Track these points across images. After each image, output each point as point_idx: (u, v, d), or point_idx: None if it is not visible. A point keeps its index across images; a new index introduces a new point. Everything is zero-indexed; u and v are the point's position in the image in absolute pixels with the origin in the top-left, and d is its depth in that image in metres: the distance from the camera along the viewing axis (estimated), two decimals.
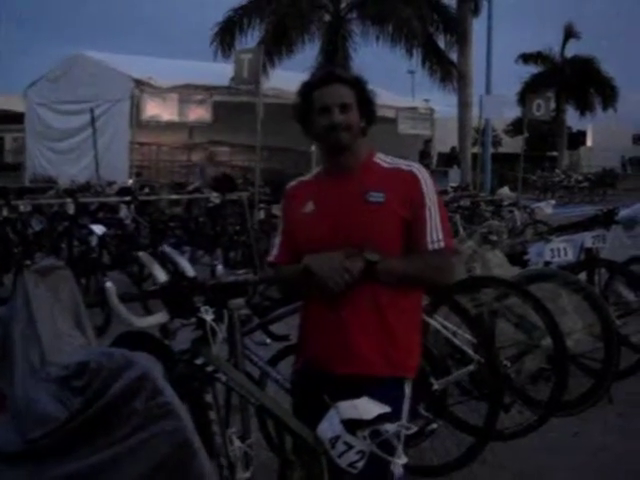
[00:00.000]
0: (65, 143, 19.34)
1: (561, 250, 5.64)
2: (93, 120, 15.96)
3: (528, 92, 29.93)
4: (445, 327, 4.07)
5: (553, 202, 12.09)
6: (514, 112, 37.64)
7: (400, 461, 2.48)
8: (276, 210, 9.59)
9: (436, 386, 3.76)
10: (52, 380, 2.57)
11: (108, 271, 7.80)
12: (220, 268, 3.08)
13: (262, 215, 10.32)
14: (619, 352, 4.85)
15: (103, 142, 16.62)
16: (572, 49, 39.51)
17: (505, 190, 13.53)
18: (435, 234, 2.71)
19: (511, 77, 59.18)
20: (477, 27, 24.59)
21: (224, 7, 22.27)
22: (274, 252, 2.97)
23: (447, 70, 23.86)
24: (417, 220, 2.70)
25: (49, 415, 2.43)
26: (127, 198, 10.08)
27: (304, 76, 2.97)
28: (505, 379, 4.27)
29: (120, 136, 17.73)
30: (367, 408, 2.42)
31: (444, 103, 29.97)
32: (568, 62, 38.75)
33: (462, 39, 23.75)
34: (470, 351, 4.01)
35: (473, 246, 5.43)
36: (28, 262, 3.72)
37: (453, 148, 26.25)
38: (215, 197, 11.15)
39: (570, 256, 5.70)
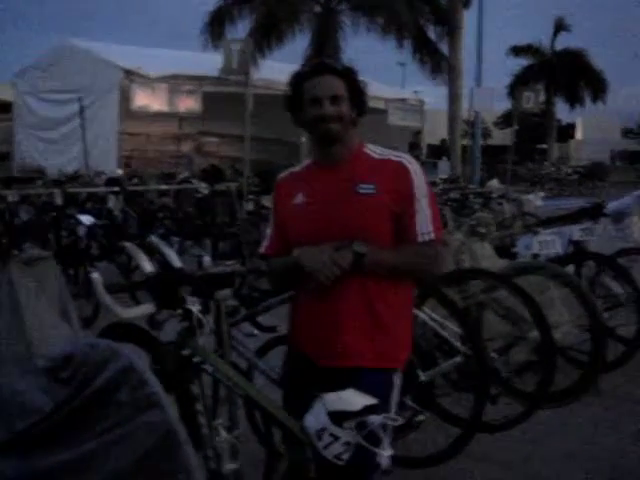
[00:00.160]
0: (54, 133, 19.19)
1: (549, 243, 5.66)
2: (82, 110, 15.86)
3: (518, 85, 30.10)
4: (432, 319, 4.07)
5: (542, 194, 12.13)
6: (504, 104, 37.87)
7: (386, 453, 2.48)
8: (265, 201, 9.59)
9: (423, 378, 3.76)
10: (38, 371, 2.55)
11: (96, 262, 7.77)
12: (207, 259, 3.06)
13: (251, 206, 10.33)
14: (606, 345, 4.87)
15: (92, 132, 16.50)
16: (562, 42, 39.66)
17: (494, 182, 13.53)
18: (425, 226, 2.71)
19: (501, 69, 59.36)
20: (468, 19, 24.65)
21: None
22: (265, 243, 2.98)
23: (437, 62, 23.93)
24: (407, 211, 2.70)
25: (34, 406, 2.41)
26: (116, 188, 10.06)
27: (294, 67, 2.95)
28: (492, 371, 4.28)
29: (109, 126, 17.59)
30: (353, 400, 2.41)
31: (434, 95, 30.07)
32: (558, 55, 38.79)
33: (453, 31, 23.80)
34: (457, 343, 4.01)
35: (462, 238, 5.45)
36: (16, 252, 3.72)
37: (443, 140, 26.33)
38: (204, 188, 11.14)
39: (558, 249, 5.72)
